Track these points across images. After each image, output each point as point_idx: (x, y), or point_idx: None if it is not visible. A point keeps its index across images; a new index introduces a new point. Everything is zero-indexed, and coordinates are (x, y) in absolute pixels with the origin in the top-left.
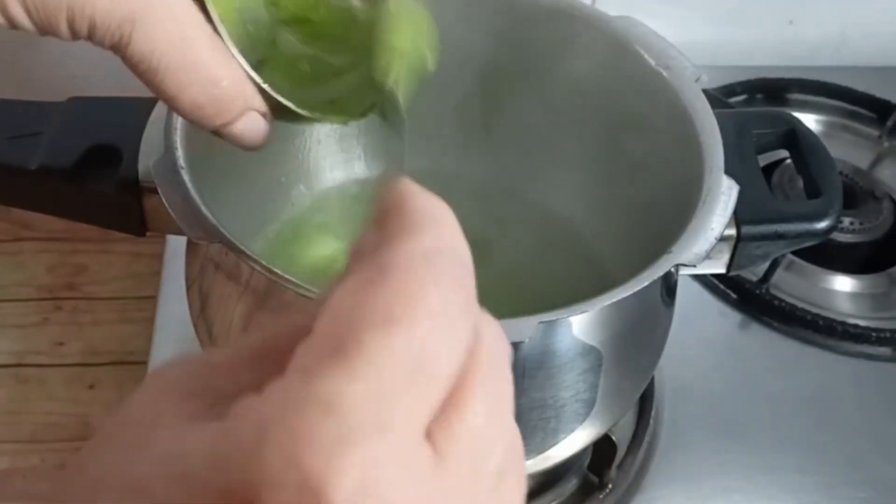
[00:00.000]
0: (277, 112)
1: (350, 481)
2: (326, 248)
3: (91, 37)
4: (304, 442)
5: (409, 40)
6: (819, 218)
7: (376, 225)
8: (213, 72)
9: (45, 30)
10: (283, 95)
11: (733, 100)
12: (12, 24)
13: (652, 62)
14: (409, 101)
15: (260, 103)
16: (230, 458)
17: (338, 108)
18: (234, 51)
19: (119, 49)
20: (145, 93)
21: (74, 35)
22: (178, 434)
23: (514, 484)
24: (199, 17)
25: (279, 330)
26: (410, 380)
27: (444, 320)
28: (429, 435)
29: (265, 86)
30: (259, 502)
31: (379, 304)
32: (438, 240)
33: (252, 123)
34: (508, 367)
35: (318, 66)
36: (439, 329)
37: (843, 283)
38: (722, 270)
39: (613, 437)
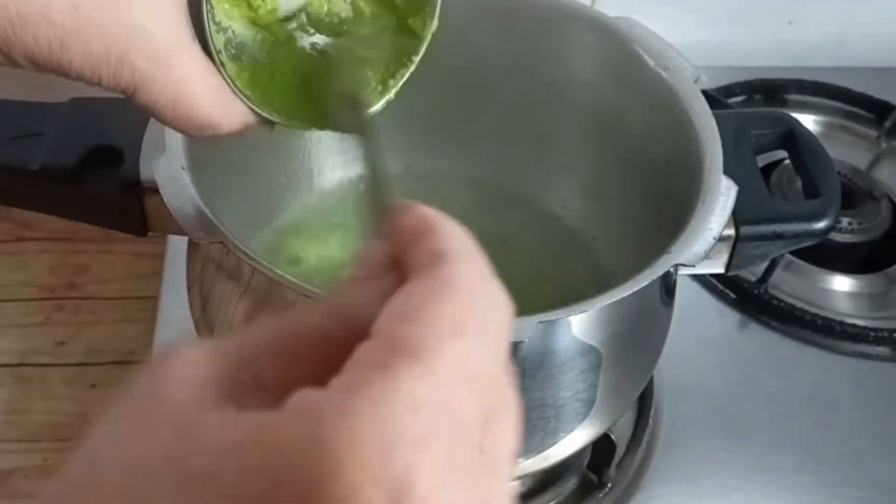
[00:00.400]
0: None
1: (433, 475)
2: (326, 248)
3: (98, 85)
4: (394, 433)
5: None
6: (817, 218)
7: (395, 239)
8: (210, 120)
9: (53, 73)
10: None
11: (732, 100)
12: (14, 65)
13: (651, 63)
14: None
15: (256, 119)
16: (313, 451)
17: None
18: (234, 88)
19: (126, 96)
20: None
21: (80, 80)
22: (229, 425)
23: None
24: (199, 69)
25: (295, 328)
26: (477, 387)
27: (502, 336)
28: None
29: (264, 114)
30: (352, 494)
31: (453, 314)
32: (484, 264)
33: (251, 132)
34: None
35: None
36: (499, 343)
37: (841, 283)
38: (721, 270)
39: (613, 437)
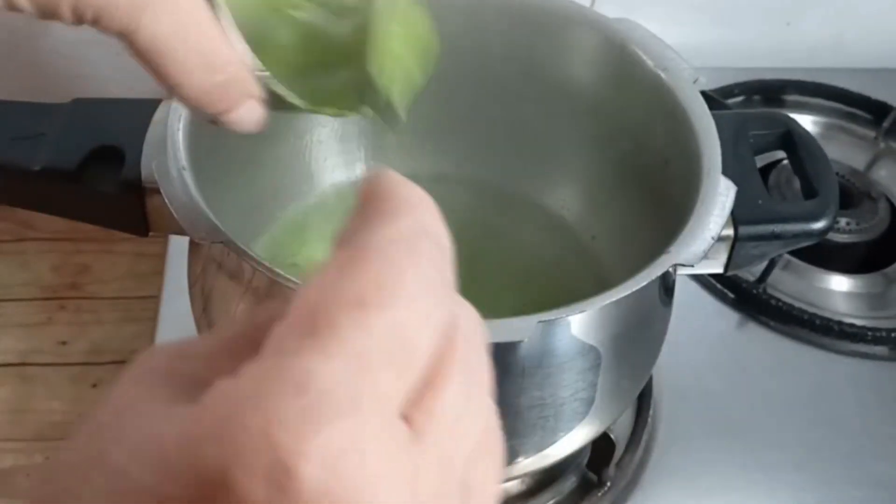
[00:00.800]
0: (274, 102)
1: (321, 458)
2: (327, 249)
3: (96, 24)
4: (274, 419)
5: (402, 43)
6: (815, 218)
7: (358, 214)
8: (215, 60)
9: (46, 14)
10: (281, 85)
11: (731, 101)
12: (12, 7)
13: (650, 64)
14: (408, 99)
15: (258, 91)
16: (203, 438)
17: (334, 101)
18: (237, 37)
19: (125, 36)
20: (148, 94)
21: (78, 21)
22: (153, 418)
23: (490, 467)
24: (203, 5)
25: (257, 319)
26: (384, 359)
27: (420, 302)
28: (406, 414)
29: (265, 74)
30: (231, 482)
31: (354, 286)
32: (415, 223)
33: (250, 111)
34: (485, 351)
35: (319, 52)
36: (414, 311)
37: (839, 283)
38: (719, 270)
39: (612, 436)
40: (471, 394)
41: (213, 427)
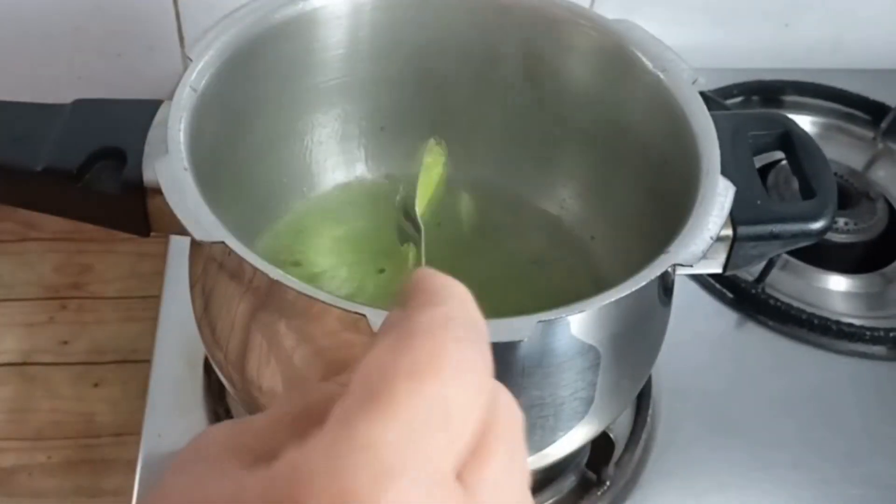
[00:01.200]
0: None
1: None
2: (327, 249)
3: None
4: (347, 478)
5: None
6: (814, 218)
7: (400, 305)
8: None
9: None
10: None
11: (730, 102)
12: None
13: (649, 65)
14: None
15: None
16: (282, 495)
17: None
18: None
19: None
20: (149, 95)
21: None
22: (231, 481)
23: None
24: None
25: (311, 397)
26: (439, 422)
27: (465, 375)
28: (458, 475)
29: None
30: None
31: (405, 359)
32: (454, 309)
33: None
34: (524, 437)
35: None
36: (461, 382)
37: (837, 283)
38: (718, 270)
39: (611, 435)
40: (514, 467)
41: (290, 487)
